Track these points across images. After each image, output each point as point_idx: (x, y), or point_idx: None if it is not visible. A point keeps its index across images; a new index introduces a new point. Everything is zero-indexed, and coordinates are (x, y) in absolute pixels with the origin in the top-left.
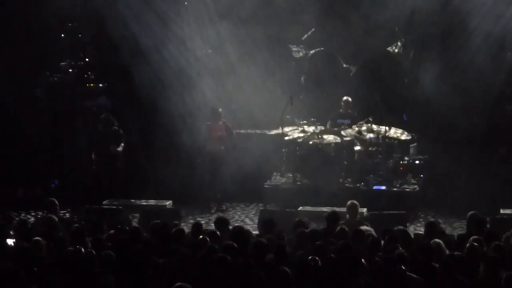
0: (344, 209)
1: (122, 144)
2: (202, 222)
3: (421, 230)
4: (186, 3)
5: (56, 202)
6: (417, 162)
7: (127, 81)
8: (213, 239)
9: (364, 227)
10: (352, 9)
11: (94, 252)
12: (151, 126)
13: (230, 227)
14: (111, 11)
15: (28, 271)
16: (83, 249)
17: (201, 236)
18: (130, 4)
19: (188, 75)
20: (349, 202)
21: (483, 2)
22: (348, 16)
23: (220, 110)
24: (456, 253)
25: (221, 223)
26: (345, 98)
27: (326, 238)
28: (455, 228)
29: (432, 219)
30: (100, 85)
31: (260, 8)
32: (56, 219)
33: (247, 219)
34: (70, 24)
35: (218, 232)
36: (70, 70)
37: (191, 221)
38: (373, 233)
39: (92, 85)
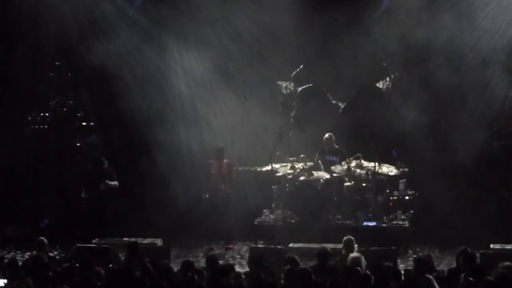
0: (333, 245)
1: (116, 183)
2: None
3: (412, 266)
4: (175, 39)
5: (46, 241)
6: (406, 197)
7: (117, 118)
8: (200, 278)
9: (356, 255)
10: (340, 45)
11: None
12: (141, 164)
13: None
14: (99, 49)
15: None
16: None
17: (189, 274)
18: (118, 42)
19: (176, 112)
20: (345, 238)
21: (473, 38)
22: (337, 52)
23: (224, 148)
24: None
25: (212, 261)
26: (325, 136)
27: (316, 275)
28: (446, 263)
29: (422, 255)
30: (91, 123)
31: (249, 44)
32: (46, 258)
33: (237, 256)
34: (58, 63)
35: (204, 271)
36: (59, 109)
37: (182, 259)
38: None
39: (81, 123)
